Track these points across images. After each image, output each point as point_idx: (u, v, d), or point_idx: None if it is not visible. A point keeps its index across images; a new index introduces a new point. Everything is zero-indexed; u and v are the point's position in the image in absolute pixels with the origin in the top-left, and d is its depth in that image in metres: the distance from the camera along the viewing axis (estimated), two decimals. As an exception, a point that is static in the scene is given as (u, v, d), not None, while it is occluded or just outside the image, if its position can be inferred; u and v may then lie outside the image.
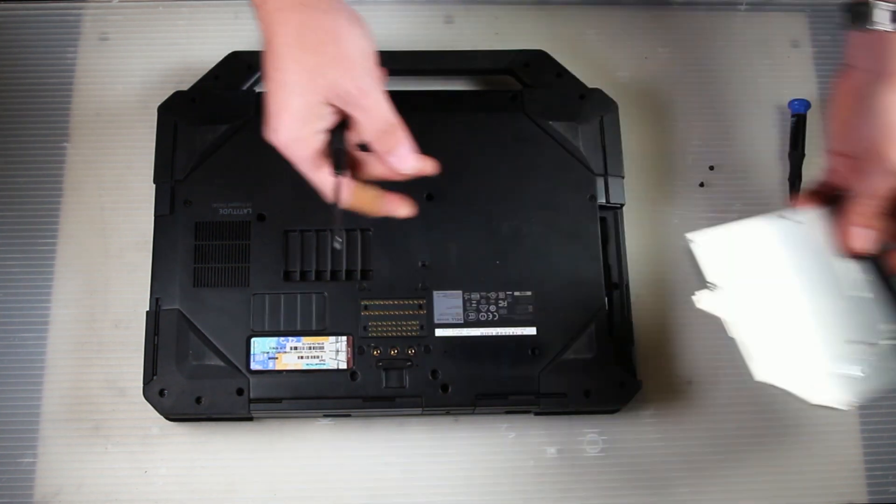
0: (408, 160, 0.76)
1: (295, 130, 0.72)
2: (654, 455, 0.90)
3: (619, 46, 1.02)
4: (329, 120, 0.73)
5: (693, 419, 0.91)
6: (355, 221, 0.86)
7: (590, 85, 0.94)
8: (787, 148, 0.99)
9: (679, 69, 1.01)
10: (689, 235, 0.77)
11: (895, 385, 0.78)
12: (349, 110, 0.72)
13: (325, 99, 0.71)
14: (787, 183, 0.98)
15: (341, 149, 0.74)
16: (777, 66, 1.02)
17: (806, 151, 0.98)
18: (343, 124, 0.74)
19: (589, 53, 1.01)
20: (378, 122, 0.73)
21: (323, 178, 0.74)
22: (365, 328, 0.84)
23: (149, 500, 0.86)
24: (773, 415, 0.91)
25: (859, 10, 0.75)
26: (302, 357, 0.83)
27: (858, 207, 0.76)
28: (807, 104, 0.98)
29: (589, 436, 0.90)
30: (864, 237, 0.77)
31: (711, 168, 0.98)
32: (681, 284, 0.94)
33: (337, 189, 0.74)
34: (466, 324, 0.85)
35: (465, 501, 0.88)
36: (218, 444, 0.88)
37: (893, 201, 0.76)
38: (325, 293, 0.85)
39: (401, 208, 0.79)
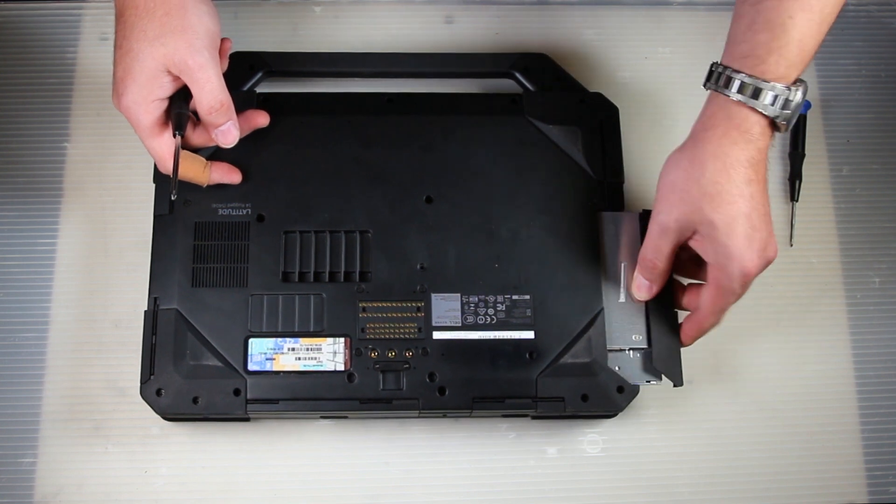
0: (229, 136, 0.83)
1: (136, 94, 0.78)
2: (654, 455, 0.90)
3: (619, 46, 1.02)
4: (168, 88, 0.80)
5: (693, 419, 0.91)
6: (355, 223, 0.87)
7: (589, 85, 0.94)
8: (787, 148, 0.99)
9: (679, 69, 1.01)
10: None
11: (641, 383, 0.85)
12: (185, 80, 0.79)
13: (164, 66, 0.78)
14: (787, 183, 0.98)
15: (183, 112, 0.81)
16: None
17: (806, 151, 0.98)
18: (186, 92, 0.80)
19: (589, 53, 1.01)
20: (209, 96, 0.80)
21: (159, 146, 0.80)
22: (363, 330, 0.84)
23: (149, 500, 0.86)
24: (773, 415, 0.91)
25: (714, 72, 0.78)
26: (299, 358, 0.83)
27: (640, 262, 0.83)
28: (807, 104, 0.98)
29: (589, 436, 0.90)
30: (641, 287, 0.84)
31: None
32: (680, 285, 0.94)
33: (176, 150, 0.81)
34: (464, 327, 0.85)
35: (465, 502, 0.88)
36: (218, 444, 0.88)
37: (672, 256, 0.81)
38: (324, 294, 0.85)
39: (229, 176, 0.87)
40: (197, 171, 0.84)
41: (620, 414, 0.88)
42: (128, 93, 0.78)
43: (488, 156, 0.90)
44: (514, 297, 0.86)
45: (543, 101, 0.92)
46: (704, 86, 0.79)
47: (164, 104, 0.80)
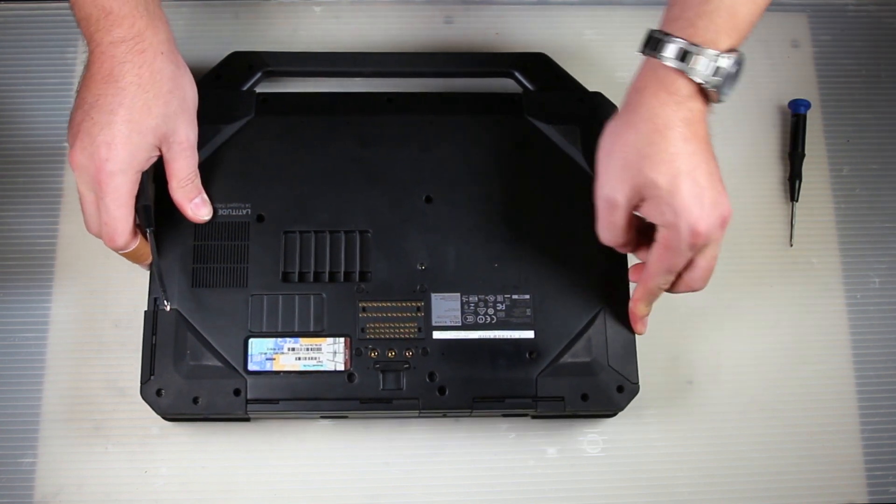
0: (201, 210, 0.85)
1: (125, 163, 0.77)
2: (654, 455, 0.90)
3: (619, 46, 1.02)
4: (150, 160, 0.80)
5: (693, 419, 0.91)
6: (355, 223, 0.87)
7: (589, 85, 0.94)
8: (787, 148, 0.99)
9: (679, 69, 1.01)
10: None
11: None
12: (168, 155, 0.81)
13: (157, 142, 0.79)
14: (787, 183, 0.98)
15: (149, 205, 0.82)
16: (777, 66, 1.02)
17: (806, 151, 0.98)
18: (145, 184, 0.81)
19: (589, 53, 1.01)
20: (187, 170, 0.82)
21: (126, 219, 0.78)
22: (363, 330, 0.84)
23: (149, 500, 0.86)
24: (773, 414, 0.91)
25: (649, 38, 0.77)
26: (299, 358, 0.83)
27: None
28: (807, 104, 0.98)
29: (589, 436, 0.90)
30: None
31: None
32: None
33: (152, 244, 0.83)
34: (464, 326, 0.85)
35: (465, 502, 0.88)
36: (218, 444, 0.88)
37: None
38: (324, 294, 0.85)
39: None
40: (145, 254, 0.84)
41: (620, 414, 0.88)
42: (116, 160, 0.76)
43: (488, 155, 0.90)
44: (514, 296, 0.86)
45: (543, 101, 0.92)
46: (640, 51, 0.77)
47: (138, 179, 0.79)
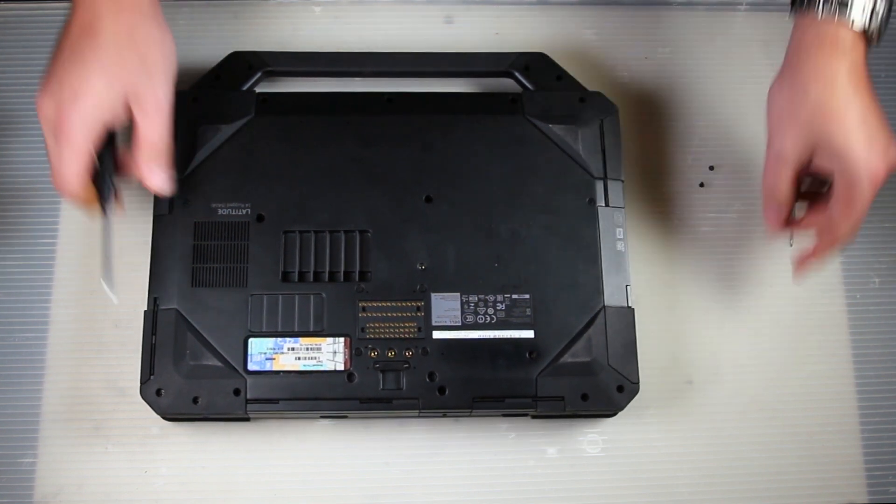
0: (156, 176, 0.81)
1: (87, 113, 0.75)
2: (654, 455, 0.90)
3: (619, 46, 1.02)
4: (112, 116, 0.77)
5: (693, 419, 0.91)
6: (355, 223, 0.87)
7: (589, 85, 0.94)
8: (788, 148, 0.99)
9: (679, 69, 1.01)
10: None
11: None
12: (138, 116, 0.78)
13: (127, 98, 0.77)
14: (788, 183, 0.98)
15: (108, 185, 0.80)
16: (777, 66, 1.01)
17: (806, 152, 0.98)
18: (108, 156, 0.79)
19: (589, 53, 1.01)
20: (155, 134, 0.79)
21: (77, 165, 0.76)
22: (363, 330, 0.84)
23: (149, 500, 0.86)
24: (773, 414, 0.91)
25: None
26: (299, 358, 0.83)
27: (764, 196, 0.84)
28: (807, 104, 0.98)
29: (589, 436, 0.90)
30: (769, 220, 0.85)
31: (711, 168, 0.98)
32: (681, 284, 0.94)
33: (106, 231, 0.80)
34: (464, 326, 0.85)
35: (465, 502, 0.88)
36: (218, 444, 0.88)
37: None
38: (323, 294, 0.85)
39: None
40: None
41: (620, 414, 0.88)
42: (79, 107, 0.75)
43: (488, 155, 0.90)
44: (514, 296, 0.86)
45: (543, 101, 0.92)
46: (790, 16, 0.81)
47: (100, 132, 0.77)
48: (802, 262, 0.85)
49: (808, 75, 0.78)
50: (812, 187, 0.84)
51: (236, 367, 0.83)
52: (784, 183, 0.81)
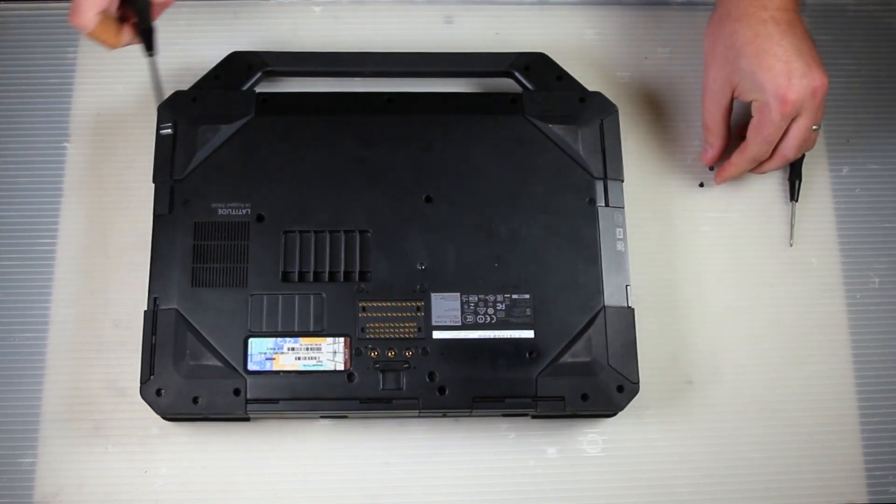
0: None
1: None
2: (654, 455, 0.90)
3: (619, 46, 1.02)
4: None
5: (693, 419, 0.91)
6: (355, 223, 0.87)
7: (589, 84, 0.94)
8: (788, 148, 0.99)
9: (679, 69, 1.01)
10: None
11: None
12: None
13: None
14: (787, 183, 0.98)
15: (149, 28, 0.85)
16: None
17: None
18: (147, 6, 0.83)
19: (589, 53, 1.01)
20: None
21: (90, 3, 0.79)
22: (363, 330, 0.84)
23: (149, 500, 0.86)
24: (773, 414, 0.91)
25: None
26: (299, 358, 0.83)
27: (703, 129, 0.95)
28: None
29: (589, 436, 0.90)
30: (705, 153, 0.96)
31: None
32: (681, 284, 0.94)
33: (155, 72, 0.89)
34: (464, 326, 0.85)
35: (465, 502, 0.88)
36: (218, 444, 0.88)
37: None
38: (323, 294, 0.85)
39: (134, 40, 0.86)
40: (110, 34, 0.83)
41: (620, 414, 0.88)
42: None
43: (488, 155, 0.90)
44: (514, 296, 0.86)
45: (543, 101, 0.92)
46: None
47: None
48: (722, 170, 0.94)
49: (733, 15, 0.86)
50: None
51: (236, 367, 0.83)
52: (715, 116, 0.91)
